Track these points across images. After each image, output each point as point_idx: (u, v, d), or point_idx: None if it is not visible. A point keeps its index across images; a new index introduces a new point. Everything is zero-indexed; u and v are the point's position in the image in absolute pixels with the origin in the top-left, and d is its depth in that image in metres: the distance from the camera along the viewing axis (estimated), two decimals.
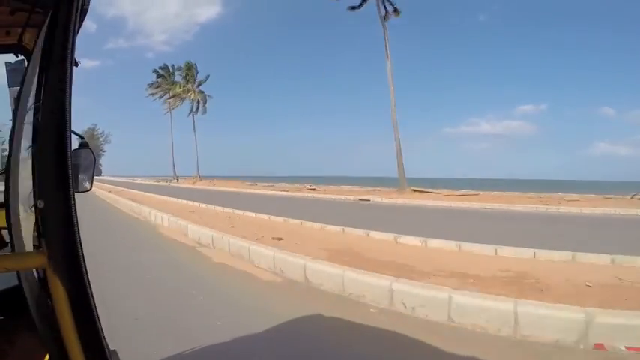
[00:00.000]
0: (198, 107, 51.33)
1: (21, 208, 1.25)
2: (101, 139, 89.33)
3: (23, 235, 1.23)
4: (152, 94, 54.66)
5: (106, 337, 0.84)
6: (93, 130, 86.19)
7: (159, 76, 54.06)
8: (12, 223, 1.29)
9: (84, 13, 0.97)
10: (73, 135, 0.95)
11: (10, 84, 1.53)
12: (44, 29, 0.95)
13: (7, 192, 1.32)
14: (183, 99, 51.60)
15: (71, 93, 0.74)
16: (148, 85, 55.37)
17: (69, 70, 0.74)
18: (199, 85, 51.20)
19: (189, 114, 52.36)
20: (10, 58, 1.53)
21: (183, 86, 50.36)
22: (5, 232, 1.55)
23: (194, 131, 52.76)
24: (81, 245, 0.79)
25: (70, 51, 0.75)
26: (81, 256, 0.79)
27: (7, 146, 1.37)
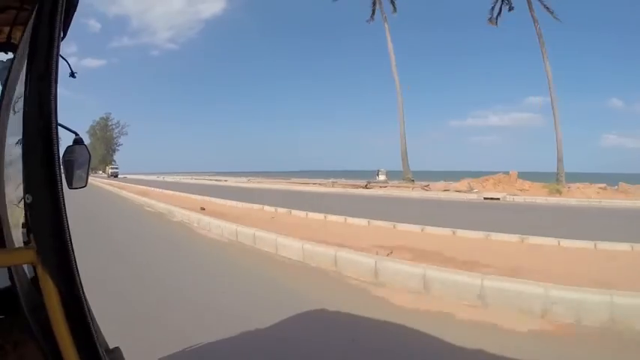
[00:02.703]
0: None
1: (10, 204, 1.24)
2: (116, 131, 74.05)
3: (13, 231, 1.22)
4: None
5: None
6: (106, 119, 72.21)
7: None
8: (1, 220, 1.28)
9: (73, 7, 0.96)
10: (68, 132, 0.94)
11: (3, 82, 1.52)
12: (30, 24, 0.94)
13: None
14: None
15: (57, 87, 0.74)
16: None
17: (54, 64, 0.73)
18: None
19: None
20: (2, 57, 1.52)
21: None
22: None
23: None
24: (70, 240, 0.78)
25: (55, 45, 0.75)
26: (71, 251, 0.78)
27: None
